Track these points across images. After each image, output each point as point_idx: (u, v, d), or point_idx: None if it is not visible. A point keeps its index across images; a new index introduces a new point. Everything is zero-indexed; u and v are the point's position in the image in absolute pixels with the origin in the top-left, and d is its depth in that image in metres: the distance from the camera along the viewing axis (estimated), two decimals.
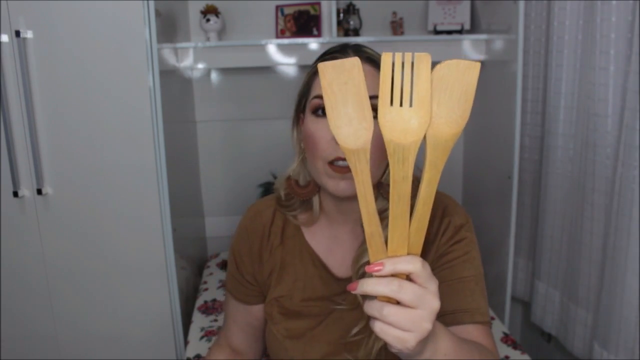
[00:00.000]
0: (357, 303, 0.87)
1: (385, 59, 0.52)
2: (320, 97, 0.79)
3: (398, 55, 0.52)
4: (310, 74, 0.85)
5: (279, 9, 2.08)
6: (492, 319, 1.73)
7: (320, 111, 0.80)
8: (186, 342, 1.63)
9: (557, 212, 1.70)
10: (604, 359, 1.45)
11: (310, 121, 0.82)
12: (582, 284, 1.57)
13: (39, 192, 1.54)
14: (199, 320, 1.73)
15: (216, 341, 1.06)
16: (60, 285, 1.64)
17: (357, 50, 0.83)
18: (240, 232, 0.98)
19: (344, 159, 0.77)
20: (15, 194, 1.54)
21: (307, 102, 0.84)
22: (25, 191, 1.56)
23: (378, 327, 0.54)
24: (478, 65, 0.53)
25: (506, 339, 1.59)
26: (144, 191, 1.58)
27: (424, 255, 0.82)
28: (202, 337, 1.63)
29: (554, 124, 1.67)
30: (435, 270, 0.84)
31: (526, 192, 1.89)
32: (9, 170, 1.52)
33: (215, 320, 1.72)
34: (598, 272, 1.51)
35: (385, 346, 0.83)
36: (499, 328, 1.66)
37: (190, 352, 1.56)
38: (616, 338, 1.41)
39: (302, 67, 2.09)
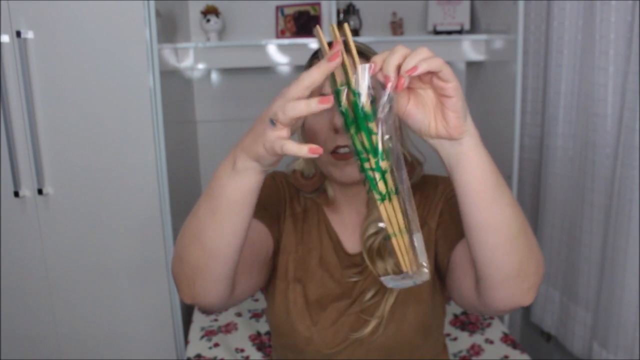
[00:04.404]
0: (369, 275, 0.90)
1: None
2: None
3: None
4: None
5: (279, 9, 2.09)
6: (491, 318, 1.73)
7: None
8: (186, 342, 1.64)
9: (556, 212, 1.70)
10: (604, 359, 1.45)
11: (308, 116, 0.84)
12: (582, 283, 1.58)
13: (40, 192, 1.54)
14: (199, 320, 1.73)
15: None
16: (61, 285, 1.64)
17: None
18: (266, 177, 0.98)
19: (345, 146, 0.81)
20: (16, 194, 1.54)
21: None
22: (26, 191, 1.56)
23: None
24: None
25: (506, 339, 1.60)
26: (144, 191, 1.59)
27: (430, 220, 0.89)
28: (202, 337, 1.63)
29: (553, 124, 1.67)
30: (445, 208, 0.89)
31: (526, 192, 1.89)
32: (9, 170, 1.52)
33: (216, 320, 1.73)
34: (597, 272, 1.51)
35: (406, 312, 0.87)
36: (499, 328, 1.67)
37: (191, 352, 1.56)
38: (615, 337, 1.42)
39: (302, 68, 2.09)
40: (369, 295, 0.90)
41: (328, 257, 0.93)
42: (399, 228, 0.60)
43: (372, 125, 0.58)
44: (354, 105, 0.58)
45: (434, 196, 0.92)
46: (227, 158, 0.65)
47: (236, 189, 0.64)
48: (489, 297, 0.69)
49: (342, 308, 0.91)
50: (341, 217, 0.95)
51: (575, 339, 1.62)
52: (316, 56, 0.87)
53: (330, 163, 0.84)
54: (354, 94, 0.57)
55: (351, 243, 0.94)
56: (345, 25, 0.59)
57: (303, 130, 0.88)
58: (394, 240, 0.61)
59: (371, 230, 0.89)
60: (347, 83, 0.58)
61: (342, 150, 0.82)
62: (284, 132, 0.56)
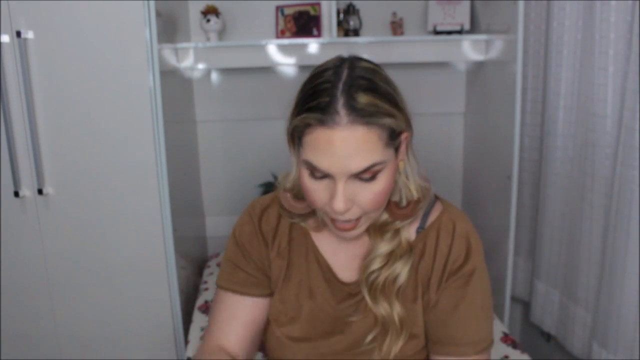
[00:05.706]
0: (366, 310, 0.86)
1: None
2: (311, 165, 0.74)
3: None
4: (302, 112, 0.74)
5: (279, 9, 2.09)
6: None
7: (314, 175, 0.76)
8: (186, 342, 1.63)
9: (556, 212, 1.70)
10: (603, 359, 1.45)
11: (306, 176, 0.77)
12: (582, 283, 1.58)
13: (40, 192, 1.54)
14: (199, 320, 1.73)
15: (205, 344, 0.94)
16: (61, 285, 1.64)
17: (349, 103, 0.71)
18: (245, 222, 0.94)
19: (347, 220, 0.77)
20: (16, 194, 1.54)
21: (300, 140, 0.75)
22: (26, 191, 1.56)
23: None
24: None
25: (506, 339, 1.60)
26: (144, 191, 1.59)
27: (431, 275, 0.85)
28: (202, 337, 1.63)
29: (553, 124, 1.67)
30: (445, 290, 0.84)
31: (526, 192, 1.89)
32: (9, 170, 1.52)
33: None
34: (597, 272, 1.51)
35: (402, 348, 0.83)
36: (499, 328, 1.67)
37: (191, 352, 1.56)
38: (615, 337, 1.42)
39: (302, 68, 2.09)
40: (369, 338, 0.84)
41: (318, 288, 0.88)
42: None
43: None
44: None
45: (450, 251, 0.84)
46: None
47: None
48: None
49: (335, 347, 0.87)
50: (332, 242, 0.89)
51: (575, 339, 1.62)
52: (319, 75, 0.76)
53: (329, 220, 0.80)
54: None
55: (345, 270, 0.88)
56: None
57: (301, 188, 0.80)
58: None
59: (376, 265, 0.83)
60: None
61: (341, 222, 0.78)
62: None
